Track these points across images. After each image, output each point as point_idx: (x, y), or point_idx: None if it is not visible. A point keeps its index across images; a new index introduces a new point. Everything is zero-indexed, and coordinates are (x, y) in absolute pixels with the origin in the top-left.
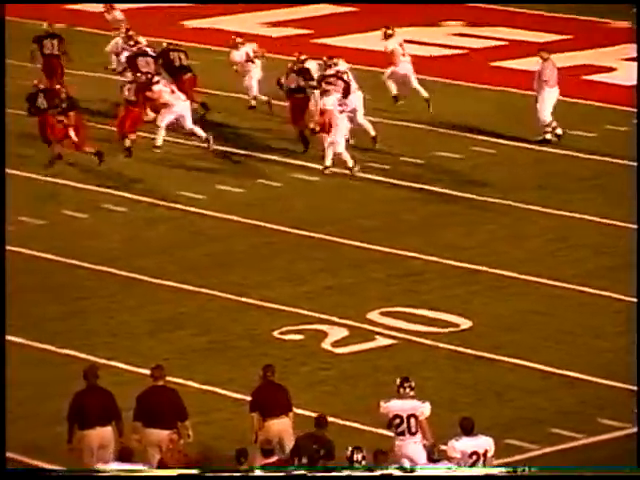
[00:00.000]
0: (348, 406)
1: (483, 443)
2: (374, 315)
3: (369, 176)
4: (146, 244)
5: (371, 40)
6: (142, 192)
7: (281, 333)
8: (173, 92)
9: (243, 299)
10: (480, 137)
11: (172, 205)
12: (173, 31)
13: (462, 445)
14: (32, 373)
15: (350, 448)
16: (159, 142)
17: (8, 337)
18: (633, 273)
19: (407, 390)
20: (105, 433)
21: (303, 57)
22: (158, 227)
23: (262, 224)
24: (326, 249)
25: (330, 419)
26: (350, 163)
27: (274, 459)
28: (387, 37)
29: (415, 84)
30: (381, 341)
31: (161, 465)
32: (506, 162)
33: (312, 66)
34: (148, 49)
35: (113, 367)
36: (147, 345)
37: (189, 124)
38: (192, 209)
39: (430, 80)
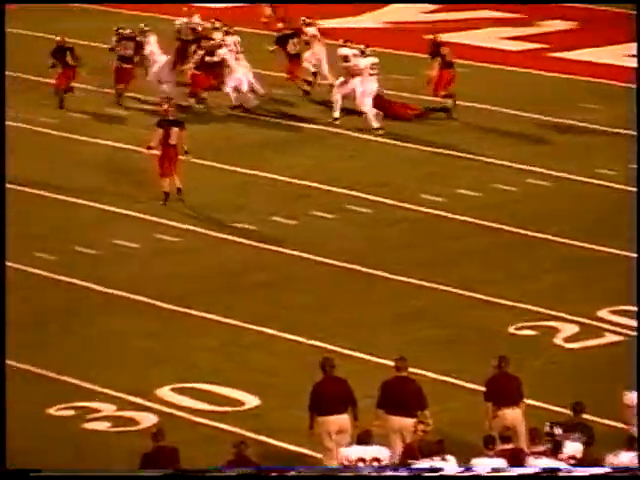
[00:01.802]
0: (582, 399)
1: None
2: (604, 313)
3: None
4: (387, 243)
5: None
6: (385, 194)
7: (516, 329)
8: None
9: (478, 295)
10: None
11: (413, 207)
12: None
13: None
14: (283, 363)
15: (548, 423)
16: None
17: (266, 330)
18: None
19: None
20: (342, 419)
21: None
22: (399, 227)
23: (496, 225)
24: (552, 249)
25: (562, 411)
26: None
27: (511, 446)
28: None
29: None
30: (610, 337)
31: (407, 451)
32: None
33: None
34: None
35: (354, 357)
36: (385, 337)
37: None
38: (432, 211)
39: None
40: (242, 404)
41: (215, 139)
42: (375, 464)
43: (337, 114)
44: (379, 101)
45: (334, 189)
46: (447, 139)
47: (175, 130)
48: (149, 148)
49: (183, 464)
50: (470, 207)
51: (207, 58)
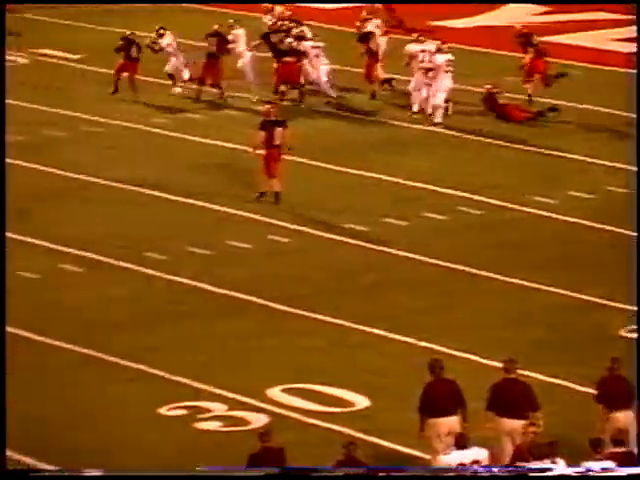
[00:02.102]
0: None
1: None
2: None
3: None
4: (497, 245)
5: None
6: (496, 196)
7: (628, 331)
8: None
9: (587, 297)
10: None
11: (524, 209)
12: None
13: None
14: (392, 363)
15: None
16: None
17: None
18: None
19: None
20: (452, 421)
21: None
22: (509, 228)
23: (607, 227)
24: None
25: None
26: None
27: (623, 449)
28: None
29: None
30: None
31: (517, 453)
32: None
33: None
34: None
35: (462, 358)
36: (494, 338)
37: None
38: (543, 212)
39: None
40: (352, 405)
41: (325, 139)
42: (476, 466)
43: (416, 108)
44: (492, 102)
45: (445, 190)
46: (558, 141)
47: (278, 130)
48: (255, 149)
49: (291, 464)
50: (580, 208)
51: (287, 57)
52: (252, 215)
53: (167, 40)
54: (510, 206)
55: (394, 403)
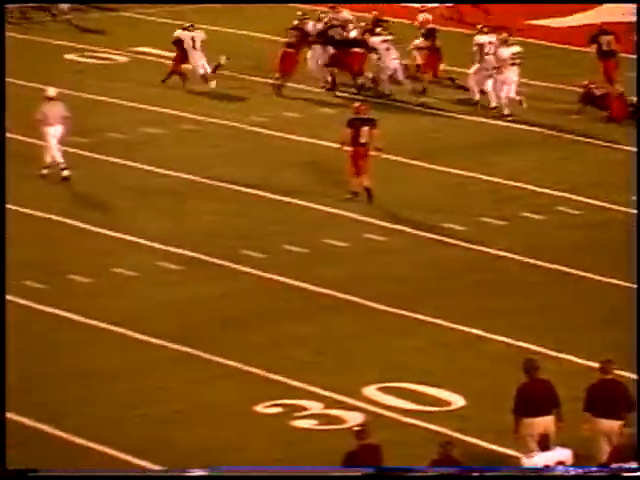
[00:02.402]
0: None
1: None
2: None
3: None
4: (596, 244)
5: None
6: (597, 196)
7: None
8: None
9: None
10: None
11: (624, 209)
12: None
13: None
14: (490, 363)
15: None
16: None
17: (465, 328)
18: None
19: None
20: (548, 420)
21: None
22: (609, 228)
23: None
24: None
25: None
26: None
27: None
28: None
29: None
30: None
31: (615, 453)
32: None
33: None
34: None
35: (558, 358)
36: (591, 338)
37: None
38: None
39: None
40: (448, 404)
41: (423, 138)
42: (562, 467)
43: (477, 97)
44: (591, 97)
45: (544, 190)
46: None
47: (365, 129)
48: (342, 146)
49: (387, 463)
50: None
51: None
52: (349, 214)
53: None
54: (609, 206)
55: (491, 403)
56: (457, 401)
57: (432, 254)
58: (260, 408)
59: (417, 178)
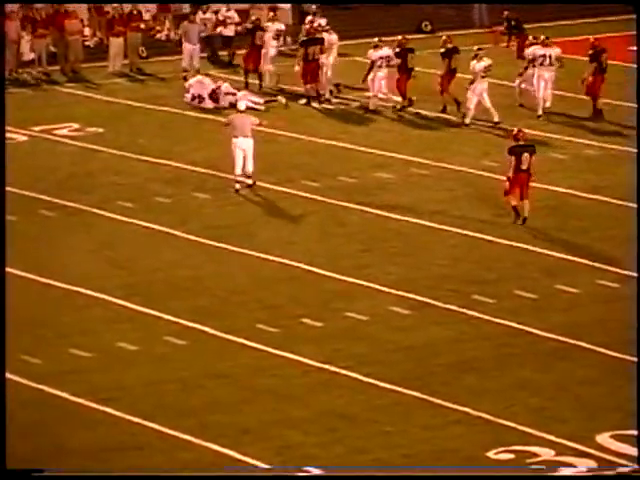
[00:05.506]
0: None
1: None
2: None
3: None
4: None
5: None
6: None
7: None
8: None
9: None
10: None
11: None
12: None
13: None
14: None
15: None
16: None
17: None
18: None
19: None
20: None
21: None
22: None
23: None
24: None
25: None
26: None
27: None
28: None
29: None
30: None
31: None
32: None
33: None
34: None
35: None
36: None
37: None
38: None
39: None
40: None
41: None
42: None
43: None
44: None
45: None
46: None
47: (526, 155)
48: (508, 179)
49: None
50: None
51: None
52: (578, 259)
53: None
54: None
55: None
56: None
57: None
58: (491, 454)
59: None
